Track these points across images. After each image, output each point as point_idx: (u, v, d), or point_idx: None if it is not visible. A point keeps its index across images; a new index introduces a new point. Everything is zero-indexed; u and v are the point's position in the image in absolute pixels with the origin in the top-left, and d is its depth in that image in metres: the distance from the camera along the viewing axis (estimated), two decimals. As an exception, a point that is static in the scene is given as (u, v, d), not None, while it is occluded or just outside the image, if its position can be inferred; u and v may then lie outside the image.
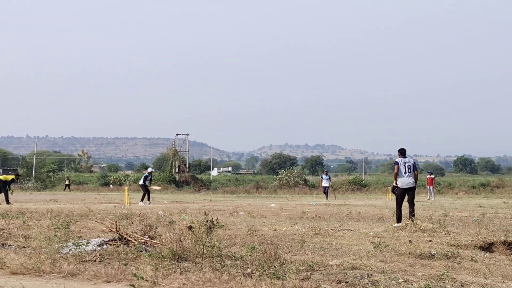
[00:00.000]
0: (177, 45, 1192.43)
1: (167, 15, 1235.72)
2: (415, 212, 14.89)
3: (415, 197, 15.34)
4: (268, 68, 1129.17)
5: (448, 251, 9.15)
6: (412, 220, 13.48)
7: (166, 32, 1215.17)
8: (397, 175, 14.82)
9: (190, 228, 8.05)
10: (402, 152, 15.09)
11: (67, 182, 59.55)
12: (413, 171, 14.87)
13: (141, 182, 28.59)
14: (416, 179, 14.93)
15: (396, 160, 15.07)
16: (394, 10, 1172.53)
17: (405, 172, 14.74)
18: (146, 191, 27.73)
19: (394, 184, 14.97)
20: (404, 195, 14.82)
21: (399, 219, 14.51)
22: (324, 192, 37.63)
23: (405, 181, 14.74)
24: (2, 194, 26.37)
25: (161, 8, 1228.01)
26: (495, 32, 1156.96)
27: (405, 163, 14.83)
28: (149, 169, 29.17)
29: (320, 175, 45.80)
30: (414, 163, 15.14)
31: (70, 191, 56.24)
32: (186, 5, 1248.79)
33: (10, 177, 27.55)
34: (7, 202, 25.28)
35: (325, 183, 37.23)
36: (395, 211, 15.04)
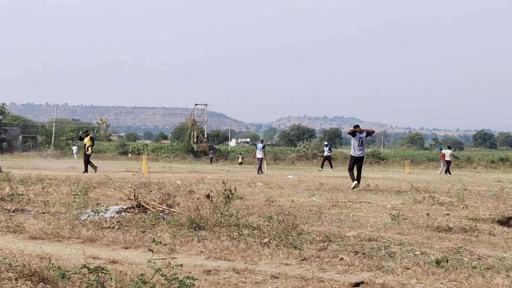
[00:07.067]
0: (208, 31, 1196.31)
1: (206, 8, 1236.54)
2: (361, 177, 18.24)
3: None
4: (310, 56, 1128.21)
5: (466, 225, 9.11)
6: (358, 182, 17.37)
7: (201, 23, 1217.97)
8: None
9: (208, 196, 8.06)
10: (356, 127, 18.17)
11: (240, 160, 57.77)
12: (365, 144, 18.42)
13: None
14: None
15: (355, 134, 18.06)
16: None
17: (358, 146, 18.01)
18: None
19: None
20: (355, 162, 18.07)
21: (353, 179, 17.65)
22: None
23: (357, 152, 18.06)
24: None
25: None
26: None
27: (360, 138, 17.98)
28: None
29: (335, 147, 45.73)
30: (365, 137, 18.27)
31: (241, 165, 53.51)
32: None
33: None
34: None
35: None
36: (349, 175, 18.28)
